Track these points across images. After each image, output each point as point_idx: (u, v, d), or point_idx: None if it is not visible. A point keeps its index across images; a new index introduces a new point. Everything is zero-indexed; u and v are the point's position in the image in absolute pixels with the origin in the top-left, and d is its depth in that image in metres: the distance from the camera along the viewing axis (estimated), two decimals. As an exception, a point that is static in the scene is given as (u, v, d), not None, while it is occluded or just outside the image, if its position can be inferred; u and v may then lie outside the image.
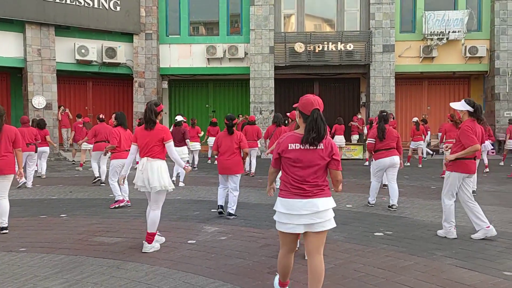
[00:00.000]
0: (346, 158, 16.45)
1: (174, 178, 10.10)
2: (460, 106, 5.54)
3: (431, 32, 17.78)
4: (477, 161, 6.51)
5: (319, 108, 3.37)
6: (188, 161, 11.69)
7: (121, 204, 7.71)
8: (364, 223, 6.45)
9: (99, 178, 10.42)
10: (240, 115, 18.23)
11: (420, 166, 14.16)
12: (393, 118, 16.50)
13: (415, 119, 14.94)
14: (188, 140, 10.34)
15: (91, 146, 13.36)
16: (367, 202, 7.81)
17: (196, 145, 14.02)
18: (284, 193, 3.41)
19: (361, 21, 18.73)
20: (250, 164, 12.20)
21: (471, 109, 5.49)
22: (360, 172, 12.49)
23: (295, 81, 20.35)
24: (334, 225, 3.43)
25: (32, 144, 10.37)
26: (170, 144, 5.17)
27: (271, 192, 3.83)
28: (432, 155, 16.68)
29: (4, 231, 5.96)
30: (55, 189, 9.81)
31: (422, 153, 15.12)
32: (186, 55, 18.87)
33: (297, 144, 3.34)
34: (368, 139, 7.76)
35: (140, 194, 8.91)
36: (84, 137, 13.54)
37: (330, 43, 17.91)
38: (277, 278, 3.82)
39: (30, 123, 11.73)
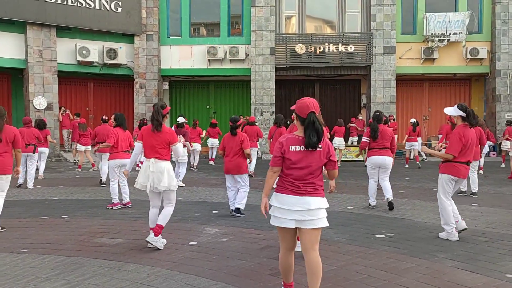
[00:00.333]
0: (346, 159, 16.44)
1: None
2: (453, 111, 5.60)
3: (432, 33, 17.79)
4: (479, 162, 6.57)
5: (315, 110, 3.47)
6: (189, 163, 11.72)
7: (117, 207, 7.73)
8: (366, 224, 6.44)
9: (100, 178, 10.49)
10: (241, 116, 18.20)
11: (414, 164, 14.40)
12: (394, 120, 16.54)
13: (412, 120, 14.97)
14: (188, 142, 10.38)
15: (88, 147, 13.46)
16: (368, 204, 7.81)
17: (197, 146, 14.04)
18: (279, 188, 3.56)
19: (362, 22, 18.74)
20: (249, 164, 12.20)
21: (463, 114, 5.52)
22: (361, 174, 12.48)
23: (296, 83, 20.36)
24: (326, 224, 3.54)
25: (32, 145, 10.37)
26: (177, 147, 5.33)
27: (265, 208, 3.61)
28: (425, 159, 16.62)
29: None
30: (56, 190, 9.81)
31: (419, 154, 15.21)
32: (187, 56, 18.88)
33: (297, 146, 3.46)
34: (363, 138, 7.89)
35: (142, 196, 8.93)
36: (78, 137, 13.56)
37: (331, 45, 17.92)
38: None
39: (33, 124, 11.74)
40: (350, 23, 18.77)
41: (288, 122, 10.78)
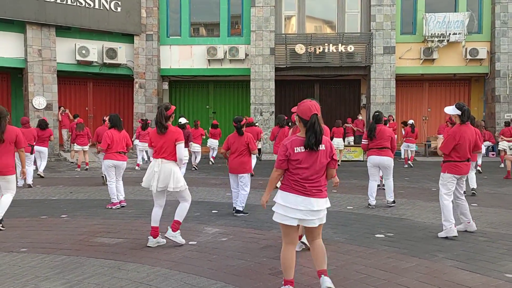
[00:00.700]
0: (346, 160, 16.45)
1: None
2: (451, 110, 5.79)
3: (431, 34, 17.80)
4: (476, 161, 6.66)
5: (317, 112, 3.59)
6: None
7: (116, 206, 7.75)
8: (365, 224, 6.44)
9: (102, 176, 10.54)
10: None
11: (408, 165, 14.53)
12: (393, 120, 16.54)
13: (410, 121, 14.97)
14: (191, 142, 10.44)
15: (86, 147, 13.45)
16: (368, 204, 7.81)
17: (197, 147, 14.07)
18: (285, 187, 3.68)
19: (362, 22, 18.74)
20: None
21: (459, 112, 5.68)
22: (361, 174, 12.48)
23: (296, 83, 20.36)
24: (324, 221, 3.74)
25: (30, 145, 10.36)
26: (180, 146, 5.31)
27: (266, 200, 3.81)
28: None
29: None
30: (56, 190, 9.81)
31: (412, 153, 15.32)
32: (186, 56, 18.87)
33: (302, 147, 3.59)
34: (362, 140, 8.05)
35: (141, 195, 8.93)
36: (75, 137, 13.55)
37: (331, 45, 17.92)
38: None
39: (32, 124, 11.80)
40: (349, 23, 18.77)
41: (290, 124, 10.75)
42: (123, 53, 17.86)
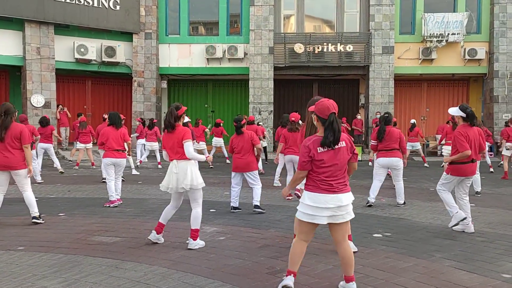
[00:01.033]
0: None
1: None
2: (455, 111, 5.84)
3: (430, 34, 17.80)
4: (478, 162, 6.67)
5: (335, 111, 3.67)
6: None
7: (114, 204, 7.75)
8: (363, 224, 6.44)
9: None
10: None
11: (427, 165, 14.58)
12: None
13: (412, 121, 14.97)
14: (194, 140, 10.46)
15: (88, 145, 13.44)
16: (367, 200, 7.82)
17: (202, 144, 14.05)
18: (311, 187, 3.72)
19: (361, 22, 18.74)
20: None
21: (463, 114, 5.75)
22: (360, 173, 12.48)
23: (295, 82, 20.36)
24: (353, 215, 3.80)
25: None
26: (188, 144, 5.18)
27: (289, 194, 3.97)
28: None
29: (36, 220, 6.28)
30: (54, 188, 9.79)
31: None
32: (185, 55, 18.85)
33: (324, 147, 3.66)
34: (371, 141, 8.10)
35: (139, 194, 8.92)
36: (78, 135, 13.55)
37: (330, 44, 17.92)
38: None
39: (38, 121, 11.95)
40: (348, 23, 18.77)
41: (281, 123, 10.70)
42: (121, 51, 17.84)
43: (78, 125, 13.70)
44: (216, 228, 6.18)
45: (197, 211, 5.25)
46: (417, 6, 18.43)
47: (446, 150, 13.53)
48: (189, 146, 5.17)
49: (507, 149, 11.90)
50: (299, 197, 8.43)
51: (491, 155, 17.33)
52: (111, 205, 7.70)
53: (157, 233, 5.31)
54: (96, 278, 4.20)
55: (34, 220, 6.30)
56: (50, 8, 16.32)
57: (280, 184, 10.19)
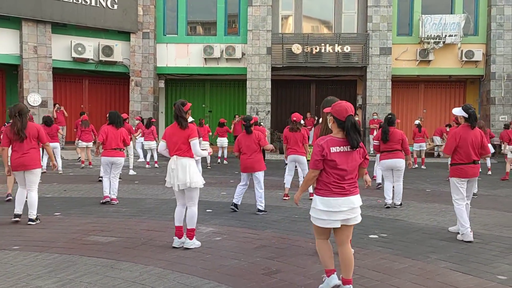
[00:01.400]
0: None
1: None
2: (458, 112, 5.78)
3: (428, 35, 17.84)
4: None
5: (352, 113, 3.70)
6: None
7: (106, 200, 7.82)
8: (359, 225, 6.35)
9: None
10: (236, 116, 18.22)
11: (424, 167, 14.51)
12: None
13: (417, 121, 14.96)
14: (201, 138, 10.47)
15: (89, 144, 13.42)
16: (384, 203, 7.81)
17: (206, 144, 13.98)
18: (323, 192, 3.70)
19: (359, 23, 18.77)
20: None
21: (465, 115, 5.67)
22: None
23: (292, 83, 20.36)
24: (361, 218, 3.84)
25: None
26: (195, 142, 5.19)
27: (299, 198, 3.95)
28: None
29: (32, 223, 6.24)
30: (50, 187, 9.75)
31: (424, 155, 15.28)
32: (183, 55, 18.83)
33: (337, 147, 3.66)
34: (374, 141, 8.11)
35: (135, 194, 8.91)
36: (80, 134, 13.51)
37: (328, 45, 17.93)
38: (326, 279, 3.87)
39: (42, 121, 11.98)
40: (346, 24, 18.79)
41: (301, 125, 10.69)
42: (119, 50, 17.80)
43: (81, 123, 13.67)
44: (212, 228, 6.17)
45: (192, 210, 5.23)
46: (414, 7, 18.47)
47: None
48: (196, 145, 5.20)
49: (511, 152, 11.96)
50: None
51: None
52: (103, 201, 7.80)
53: (179, 238, 5.23)
54: (91, 278, 4.19)
55: (29, 222, 6.24)
56: (47, 6, 16.28)
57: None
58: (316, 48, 17.93)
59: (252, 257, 4.86)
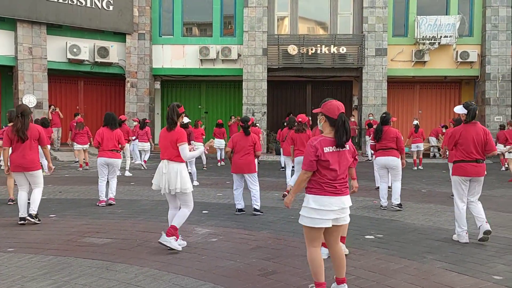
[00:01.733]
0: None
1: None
2: (459, 109, 5.71)
3: (423, 36, 17.90)
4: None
5: (343, 111, 3.72)
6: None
7: (102, 204, 7.79)
8: (355, 226, 6.44)
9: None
10: (232, 117, 18.21)
11: (421, 167, 14.50)
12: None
13: (415, 122, 14.99)
14: (193, 141, 10.44)
15: (85, 146, 13.36)
16: (380, 205, 7.79)
17: (200, 146, 13.93)
18: (316, 190, 3.67)
19: (354, 24, 18.81)
20: None
21: (465, 111, 5.58)
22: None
23: (288, 84, 20.38)
24: (349, 218, 3.83)
25: None
26: (183, 147, 5.09)
27: (289, 203, 3.86)
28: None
29: (30, 218, 6.27)
30: (45, 189, 9.56)
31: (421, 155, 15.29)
32: (179, 56, 18.81)
33: (330, 147, 3.65)
34: (370, 140, 8.18)
35: (131, 195, 8.88)
36: (75, 136, 13.44)
37: (323, 46, 17.96)
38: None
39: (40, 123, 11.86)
40: (342, 25, 18.83)
41: (285, 123, 10.78)
42: (115, 52, 17.76)
43: (75, 125, 13.59)
44: (208, 229, 6.15)
45: (183, 211, 5.20)
46: (410, 8, 18.53)
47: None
48: (185, 149, 5.09)
49: (509, 152, 12.00)
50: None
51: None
52: (99, 205, 7.76)
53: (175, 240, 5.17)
54: (86, 280, 4.17)
55: (28, 218, 6.27)
56: (42, 8, 16.22)
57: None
58: (312, 49, 17.96)
59: (248, 258, 4.85)
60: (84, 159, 13.55)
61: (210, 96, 20.84)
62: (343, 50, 18.01)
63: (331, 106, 3.69)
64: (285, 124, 11.04)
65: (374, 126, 16.09)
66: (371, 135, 8.24)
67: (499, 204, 8.44)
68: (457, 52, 18.09)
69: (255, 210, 7.20)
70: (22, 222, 6.29)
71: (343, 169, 3.69)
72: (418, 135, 14.52)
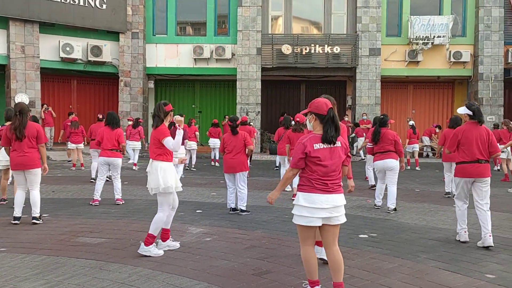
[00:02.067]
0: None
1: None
2: (462, 110, 5.70)
3: (416, 36, 17.97)
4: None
5: (332, 107, 3.69)
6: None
7: (95, 203, 7.79)
8: (349, 225, 6.45)
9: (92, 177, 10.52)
10: (226, 116, 18.16)
11: (418, 168, 14.44)
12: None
13: (411, 122, 15.03)
14: (186, 140, 10.42)
15: (80, 145, 13.27)
16: (374, 204, 7.81)
17: (193, 145, 13.90)
18: (307, 187, 3.64)
19: (348, 24, 18.85)
20: None
21: (470, 112, 5.56)
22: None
23: (282, 83, 20.39)
24: (345, 219, 3.73)
25: None
26: (167, 140, 4.96)
27: (274, 199, 3.84)
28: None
29: (36, 221, 6.27)
30: (37, 189, 9.62)
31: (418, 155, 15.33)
32: (172, 55, 18.75)
33: (320, 144, 3.63)
34: (367, 143, 8.12)
35: (125, 195, 8.83)
36: (69, 135, 13.35)
37: (317, 46, 17.98)
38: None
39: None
40: (336, 25, 18.86)
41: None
42: (108, 51, 17.66)
43: (70, 124, 13.49)
44: (202, 229, 6.14)
45: (159, 216, 4.97)
46: (403, 8, 18.59)
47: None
48: (169, 142, 4.96)
49: (502, 152, 12.07)
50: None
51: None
52: (93, 203, 7.76)
53: (163, 241, 5.13)
54: (79, 279, 4.15)
55: (34, 221, 6.27)
56: (35, 6, 16.10)
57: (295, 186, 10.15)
58: (306, 49, 17.97)
59: (242, 258, 4.85)
60: (78, 160, 13.45)
61: (204, 95, 20.80)
62: (337, 49, 18.04)
63: (319, 104, 3.68)
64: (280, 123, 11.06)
65: (366, 126, 16.30)
66: (364, 136, 8.21)
67: (492, 203, 8.40)
68: (450, 52, 18.18)
69: (242, 210, 7.19)
70: (16, 222, 6.25)
71: (335, 166, 3.64)
72: (416, 136, 14.60)
